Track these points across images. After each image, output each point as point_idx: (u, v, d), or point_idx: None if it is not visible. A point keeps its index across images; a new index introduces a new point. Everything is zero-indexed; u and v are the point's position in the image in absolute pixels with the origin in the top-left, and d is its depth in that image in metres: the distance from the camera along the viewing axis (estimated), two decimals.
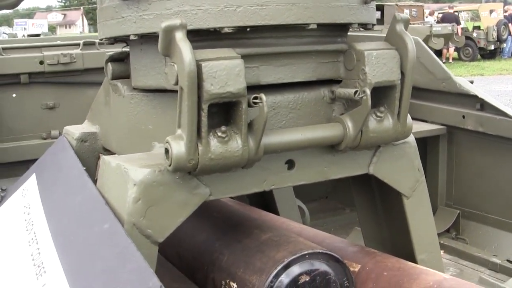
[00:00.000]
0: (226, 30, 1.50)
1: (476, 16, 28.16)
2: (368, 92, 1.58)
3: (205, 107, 1.40)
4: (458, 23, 23.79)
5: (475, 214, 3.37)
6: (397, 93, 1.67)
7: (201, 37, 1.54)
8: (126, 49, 1.94)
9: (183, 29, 1.39)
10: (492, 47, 24.18)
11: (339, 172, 1.78)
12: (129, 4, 1.59)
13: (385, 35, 1.71)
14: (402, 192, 1.88)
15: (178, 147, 1.42)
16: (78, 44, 4.01)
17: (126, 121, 1.86)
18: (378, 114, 1.69)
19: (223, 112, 1.48)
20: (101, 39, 1.82)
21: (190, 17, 1.50)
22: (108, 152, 2.22)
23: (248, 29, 1.52)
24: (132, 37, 1.60)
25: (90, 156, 2.19)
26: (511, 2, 35.95)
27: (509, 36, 25.29)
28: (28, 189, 2.06)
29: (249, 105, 1.45)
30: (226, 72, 1.40)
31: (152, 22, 1.55)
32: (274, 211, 2.93)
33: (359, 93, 1.60)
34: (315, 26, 1.57)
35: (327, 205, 4.74)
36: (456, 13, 25.75)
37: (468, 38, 23.82)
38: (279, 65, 1.62)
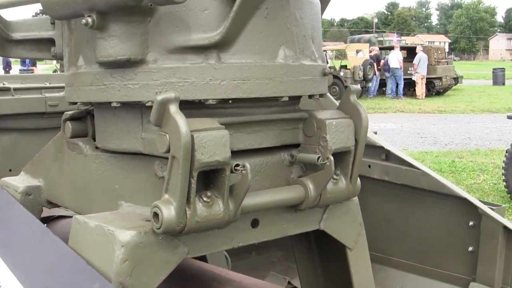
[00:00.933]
0: (210, 101, 1.62)
1: (340, 55, 29.61)
2: (332, 159, 1.76)
3: (195, 174, 1.50)
4: (325, 62, 25.17)
5: (381, 258, 3.64)
6: (351, 158, 1.87)
7: (181, 105, 1.64)
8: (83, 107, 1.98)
9: (176, 102, 1.49)
10: (359, 86, 25.78)
11: (295, 228, 1.93)
12: (113, 73, 1.65)
13: None
14: (347, 245, 2.07)
15: (169, 212, 1.50)
16: None
17: (87, 179, 1.90)
18: (334, 177, 1.87)
19: (204, 177, 1.58)
20: (73, 102, 1.85)
21: (177, 88, 1.59)
22: (53, 205, 2.23)
23: (230, 101, 1.65)
24: (114, 104, 1.66)
25: (34, 209, 2.19)
26: (375, 43, 38.85)
27: (375, 76, 27.02)
28: None
29: (231, 171, 1.57)
30: (214, 142, 1.51)
31: (138, 91, 1.62)
32: (203, 258, 3.02)
33: (321, 159, 1.78)
34: (287, 99, 1.74)
35: (232, 249, 4.84)
36: (323, 52, 27.23)
37: (335, 77, 24.78)
38: (250, 132, 1.75)
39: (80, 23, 1.65)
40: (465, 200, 3.18)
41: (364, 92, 26.47)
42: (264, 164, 1.82)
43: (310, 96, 1.89)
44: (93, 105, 1.89)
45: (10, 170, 3.73)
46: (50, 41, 1.96)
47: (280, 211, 1.86)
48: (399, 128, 18.13)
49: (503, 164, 9.39)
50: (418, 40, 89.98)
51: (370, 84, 27.04)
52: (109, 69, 1.65)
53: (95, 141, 1.95)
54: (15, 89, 3.69)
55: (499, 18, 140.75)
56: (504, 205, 3.45)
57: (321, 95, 1.92)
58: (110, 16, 1.56)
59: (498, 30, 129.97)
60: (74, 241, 1.68)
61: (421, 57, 26.52)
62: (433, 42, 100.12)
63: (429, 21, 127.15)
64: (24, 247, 1.81)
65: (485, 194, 9.97)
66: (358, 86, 1.94)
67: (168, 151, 1.50)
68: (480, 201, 3.26)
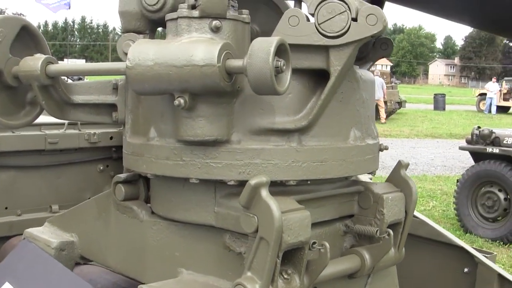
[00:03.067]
0: (291, 182, 1.69)
1: None
2: (392, 233, 1.86)
3: (280, 255, 1.56)
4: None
5: None
6: (401, 229, 1.98)
7: None
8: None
9: (267, 186, 1.55)
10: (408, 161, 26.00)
11: None
12: (194, 150, 1.68)
13: None
14: None
15: None
16: None
17: (142, 244, 1.93)
18: None
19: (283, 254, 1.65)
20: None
21: (260, 169, 1.65)
22: (87, 261, 2.23)
23: (308, 182, 1.73)
24: (193, 181, 1.69)
25: (68, 264, 2.19)
26: None
27: None
28: None
29: (309, 248, 1.65)
30: (299, 223, 1.58)
31: (221, 170, 1.66)
32: None
33: (380, 232, 1.88)
34: (355, 177, 1.83)
35: None
36: None
37: None
38: (315, 207, 1.83)
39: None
40: (461, 248, 3.36)
41: None
42: (323, 235, 1.90)
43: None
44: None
45: (6, 208, 3.66)
46: (110, 106, 1.96)
47: (336, 278, 1.95)
48: None
49: (454, 193, 9.77)
50: None
51: None
52: (189, 145, 1.68)
53: (146, 203, 1.98)
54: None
55: (438, 44, 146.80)
56: (495, 253, 3.65)
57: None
58: (200, 97, 1.60)
59: (437, 56, 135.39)
60: None
61: (377, 81, 26.99)
62: (376, 65, 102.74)
63: None
64: None
65: (436, 221, 10.33)
66: (408, 161, 2.05)
67: (256, 232, 1.56)
68: (474, 248, 3.45)
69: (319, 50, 1.62)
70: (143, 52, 1.56)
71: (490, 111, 35.43)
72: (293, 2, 1.72)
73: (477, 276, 3.31)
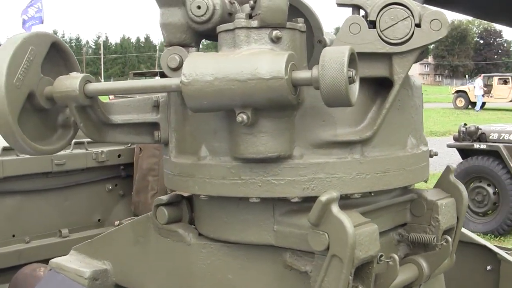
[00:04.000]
0: (356, 196, 1.63)
1: None
2: (450, 240, 1.82)
3: (353, 271, 1.51)
4: None
5: None
6: (453, 234, 1.94)
7: None
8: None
9: (337, 201, 1.50)
10: (455, 166, 26.50)
11: None
12: (253, 167, 1.60)
13: None
14: None
15: None
16: None
17: (190, 268, 1.84)
18: None
19: None
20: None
21: (325, 184, 1.59)
22: None
23: (372, 194, 1.67)
24: (254, 200, 1.62)
25: None
26: None
27: None
28: None
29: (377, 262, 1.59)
30: (369, 238, 1.53)
31: (284, 187, 1.59)
32: None
33: (437, 239, 1.83)
34: (413, 186, 1.79)
35: None
36: None
37: None
38: (374, 217, 1.77)
39: None
40: (483, 246, 3.34)
41: None
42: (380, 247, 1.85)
43: None
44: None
45: (13, 236, 3.53)
46: (151, 125, 1.86)
47: None
48: None
49: None
50: None
51: None
52: (248, 163, 1.61)
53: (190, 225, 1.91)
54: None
55: None
56: None
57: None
58: (263, 112, 1.53)
59: None
60: None
61: None
62: None
63: None
64: None
65: None
66: (455, 166, 2.02)
67: (326, 249, 1.50)
68: (495, 246, 3.44)
69: (382, 58, 1.57)
70: (200, 66, 1.48)
71: (482, 107, 35.86)
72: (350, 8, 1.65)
73: (500, 273, 3.29)
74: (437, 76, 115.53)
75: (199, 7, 1.62)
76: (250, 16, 1.58)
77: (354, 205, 1.67)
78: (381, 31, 1.54)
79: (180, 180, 1.76)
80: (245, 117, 1.49)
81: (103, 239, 2.18)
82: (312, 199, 1.60)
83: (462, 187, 1.95)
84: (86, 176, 3.84)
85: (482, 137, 9.41)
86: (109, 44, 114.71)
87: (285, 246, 1.67)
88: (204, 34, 1.70)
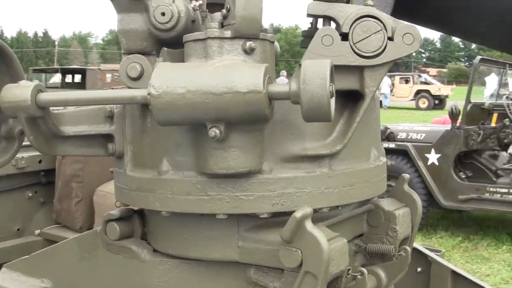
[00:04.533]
0: (324, 210, 1.60)
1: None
2: (409, 250, 1.84)
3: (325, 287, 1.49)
4: None
5: None
6: (408, 243, 1.96)
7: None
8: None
9: (310, 217, 1.46)
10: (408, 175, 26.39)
11: None
12: (221, 183, 1.53)
13: None
14: None
15: None
16: None
17: (146, 286, 1.74)
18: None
19: None
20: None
21: (294, 199, 1.55)
22: None
23: (339, 207, 1.65)
24: (221, 216, 1.55)
25: None
26: None
27: None
28: None
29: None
30: (339, 252, 1.50)
31: (252, 203, 1.53)
32: None
33: (395, 250, 1.85)
34: (375, 198, 1.79)
35: None
36: None
37: None
38: (337, 230, 1.76)
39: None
40: (414, 249, 3.45)
41: None
42: None
43: None
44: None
45: None
46: (104, 137, 1.74)
47: None
48: None
49: None
50: None
51: None
52: (215, 178, 1.53)
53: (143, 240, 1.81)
54: None
55: None
56: (443, 250, 3.80)
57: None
58: (235, 126, 1.46)
59: None
60: None
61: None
62: None
63: None
64: None
65: None
66: (408, 175, 2.04)
67: (300, 266, 1.47)
68: (426, 248, 3.57)
69: (354, 71, 1.55)
70: (171, 78, 1.39)
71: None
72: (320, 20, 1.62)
73: (431, 275, 3.41)
74: None
75: (163, 14, 1.52)
76: (221, 25, 1.51)
77: (320, 219, 1.65)
78: (354, 44, 1.52)
79: (138, 195, 1.66)
80: (217, 131, 1.41)
81: (42, 255, 2.03)
82: (280, 214, 1.56)
83: (416, 196, 1.97)
84: (4, 183, 3.60)
85: (391, 137, 9.75)
86: (4, 38, 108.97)
87: (251, 263, 1.62)
88: (166, 42, 1.61)
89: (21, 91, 1.50)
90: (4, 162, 1.70)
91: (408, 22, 1.61)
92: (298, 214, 1.44)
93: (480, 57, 9.31)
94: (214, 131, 1.41)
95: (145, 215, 1.83)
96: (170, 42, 1.60)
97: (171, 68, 1.42)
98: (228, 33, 1.47)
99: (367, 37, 1.51)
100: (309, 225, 1.45)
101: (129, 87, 1.57)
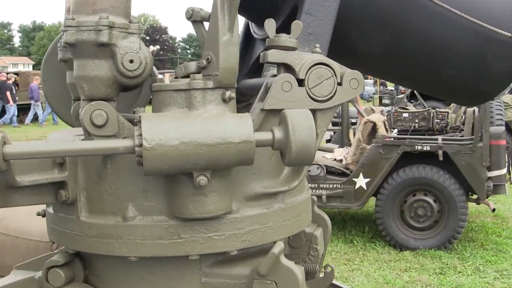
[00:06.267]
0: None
1: None
2: (333, 267, 2.04)
3: None
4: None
5: None
6: (322, 259, 2.17)
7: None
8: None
9: (283, 251, 1.58)
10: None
11: None
12: (194, 225, 1.55)
13: None
14: None
15: None
16: None
17: None
18: None
19: None
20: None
21: (259, 234, 1.63)
22: None
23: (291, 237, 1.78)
24: (194, 257, 1.58)
25: None
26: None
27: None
28: None
29: None
30: (302, 280, 1.65)
31: (224, 242, 1.58)
32: None
33: (320, 267, 2.04)
34: None
35: None
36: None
37: None
38: None
39: (121, 168, 1.54)
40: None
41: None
42: None
43: None
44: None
45: None
46: (54, 184, 1.62)
47: None
48: None
49: None
50: (2, 62, 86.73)
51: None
52: (188, 221, 1.55)
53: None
54: None
55: None
56: None
57: None
58: (217, 172, 1.50)
59: None
60: None
61: None
62: (17, 64, 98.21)
63: (11, 43, 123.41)
64: None
65: None
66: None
67: None
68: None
69: None
70: (163, 130, 1.39)
71: None
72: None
73: None
74: None
75: (131, 61, 1.49)
76: (197, 72, 1.54)
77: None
78: (309, 89, 1.66)
79: (99, 242, 1.60)
80: (205, 179, 1.45)
81: None
82: (244, 249, 1.65)
83: (326, 217, 2.19)
84: None
85: None
86: None
87: None
88: (126, 87, 1.58)
89: None
90: None
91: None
92: (276, 250, 1.55)
93: None
94: (203, 179, 1.45)
95: (85, 258, 1.76)
96: (130, 87, 1.57)
97: (160, 119, 1.42)
98: (210, 84, 1.51)
99: (320, 83, 1.67)
100: (284, 259, 1.57)
101: (92, 135, 1.51)
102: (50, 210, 1.74)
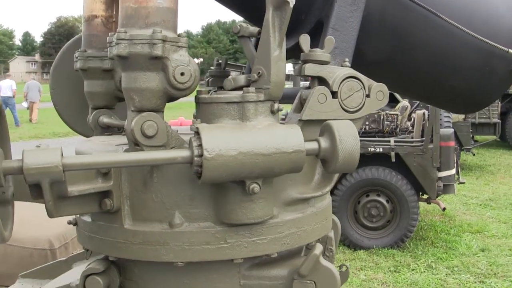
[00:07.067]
0: (313, 243, 1.81)
1: None
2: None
3: None
4: None
5: None
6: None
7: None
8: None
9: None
10: None
11: None
12: (239, 230, 1.62)
13: None
14: None
15: None
16: None
17: None
18: None
19: None
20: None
21: (296, 238, 1.71)
22: None
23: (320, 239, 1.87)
24: (238, 261, 1.64)
25: None
26: None
27: None
28: None
29: None
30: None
31: (266, 245, 1.65)
32: None
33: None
34: None
35: None
36: None
37: None
38: None
39: (167, 177, 1.60)
40: None
41: None
42: None
43: None
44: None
45: None
46: (99, 194, 1.62)
47: None
48: None
49: None
50: None
51: None
52: (234, 227, 1.62)
53: None
54: None
55: (17, 41, 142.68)
56: None
57: None
58: (266, 179, 1.58)
59: (17, 53, 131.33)
60: None
61: (29, 84, 29.92)
62: None
63: None
64: None
65: None
66: None
67: None
68: None
69: None
70: (222, 141, 1.45)
71: None
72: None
73: None
74: (44, 74, 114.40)
75: (182, 74, 1.54)
76: (247, 85, 1.61)
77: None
78: (341, 101, 1.76)
79: (145, 249, 1.64)
80: (258, 187, 1.53)
81: None
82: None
83: (337, 220, 2.28)
84: None
85: None
86: None
87: None
88: (173, 99, 1.63)
89: (47, 156, 1.38)
90: (11, 229, 1.49)
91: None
92: (317, 251, 1.64)
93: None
94: (256, 187, 1.53)
95: (120, 264, 1.79)
96: (176, 99, 1.62)
97: (219, 130, 1.49)
98: (261, 96, 1.58)
99: (351, 95, 1.77)
100: (322, 260, 1.66)
101: (142, 145, 1.55)
102: (86, 218, 1.76)
